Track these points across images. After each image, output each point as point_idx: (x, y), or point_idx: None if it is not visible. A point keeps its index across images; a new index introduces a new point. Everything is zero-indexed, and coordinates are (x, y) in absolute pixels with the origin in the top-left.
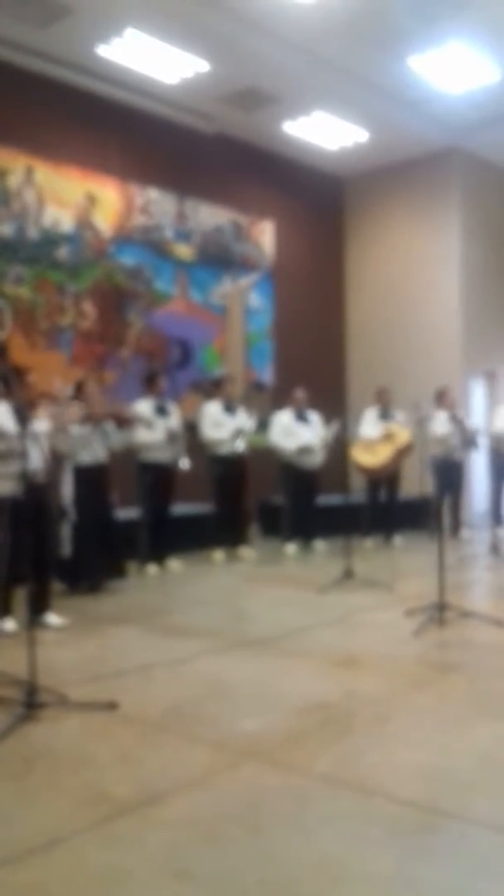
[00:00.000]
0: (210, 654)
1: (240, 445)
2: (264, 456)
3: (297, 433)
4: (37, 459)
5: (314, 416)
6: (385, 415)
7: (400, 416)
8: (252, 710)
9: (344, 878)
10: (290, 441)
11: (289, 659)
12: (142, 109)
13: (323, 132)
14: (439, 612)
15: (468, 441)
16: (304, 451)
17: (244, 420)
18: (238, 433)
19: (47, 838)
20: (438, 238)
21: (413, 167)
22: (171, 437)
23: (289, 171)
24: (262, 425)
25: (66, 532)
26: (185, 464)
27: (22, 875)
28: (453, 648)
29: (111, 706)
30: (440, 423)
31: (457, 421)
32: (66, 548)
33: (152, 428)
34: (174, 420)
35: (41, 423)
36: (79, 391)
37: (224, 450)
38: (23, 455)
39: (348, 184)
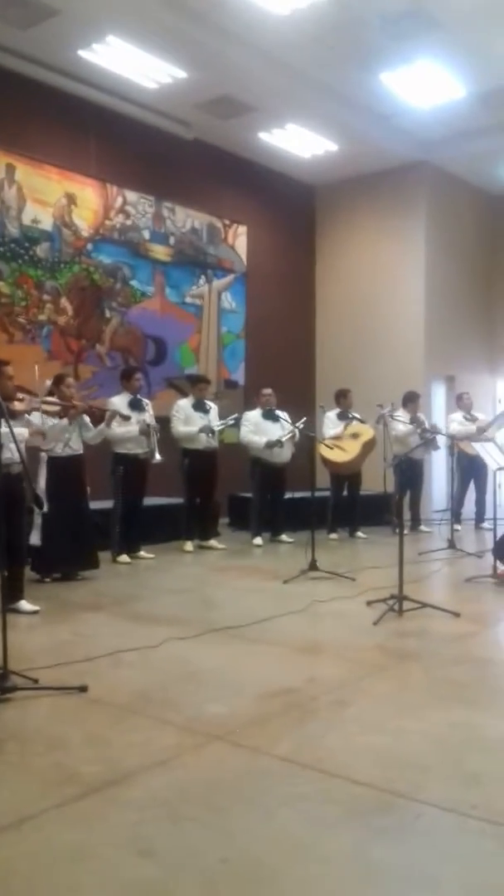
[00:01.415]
0: (178, 641)
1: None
2: (235, 451)
3: (267, 431)
4: (12, 449)
5: (283, 415)
6: (344, 416)
7: (358, 415)
8: (218, 694)
9: (303, 857)
10: (260, 438)
11: (254, 646)
12: (121, 113)
13: (296, 142)
14: (399, 602)
15: (428, 441)
16: (273, 444)
17: (214, 417)
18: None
19: (16, 817)
20: (404, 247)
21: (382, 178)
22: (145, 431)
23: (262, 178)
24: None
25: (36, 522)
26: (157, 457)
27: None
28: (411, 637)
29: (81, 690)
30: (402, 424)
31: (418, 422)
32: (35, 537)
33: (127, 421)
34: (148, 415)
35: (19, 417)
36: (56, 385)
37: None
38: None
39: (320, 192)
